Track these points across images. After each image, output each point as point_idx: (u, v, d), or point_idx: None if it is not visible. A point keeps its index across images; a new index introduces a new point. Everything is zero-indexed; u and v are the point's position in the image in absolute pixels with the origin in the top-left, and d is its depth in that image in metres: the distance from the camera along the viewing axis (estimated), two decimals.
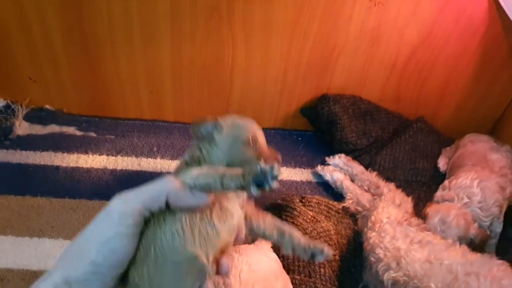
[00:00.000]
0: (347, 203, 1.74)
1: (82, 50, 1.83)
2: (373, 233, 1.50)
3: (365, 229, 1.56)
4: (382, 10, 1.74)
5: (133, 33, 1.75)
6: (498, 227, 1.59)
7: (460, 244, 1.44)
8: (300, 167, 1.93)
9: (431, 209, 1.56)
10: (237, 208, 0.80)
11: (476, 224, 1.54)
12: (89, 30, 1.75)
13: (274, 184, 0.65)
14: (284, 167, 1.92)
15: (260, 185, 0.66)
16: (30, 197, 1.67)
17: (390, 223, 1.50)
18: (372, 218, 1.56)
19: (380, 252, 1.42)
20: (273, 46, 1.82)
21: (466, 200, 1.57)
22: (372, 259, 1.45)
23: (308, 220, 1.57)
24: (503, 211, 1.61)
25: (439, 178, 1.84)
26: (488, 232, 1.57)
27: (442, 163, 1.89)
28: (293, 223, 1.55)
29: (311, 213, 1.61)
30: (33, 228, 1.55)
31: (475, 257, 1.36)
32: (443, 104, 2.05)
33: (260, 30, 1.76)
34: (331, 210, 1.70)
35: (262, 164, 0.66)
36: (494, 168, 1.70)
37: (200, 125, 0.89)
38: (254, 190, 0.67)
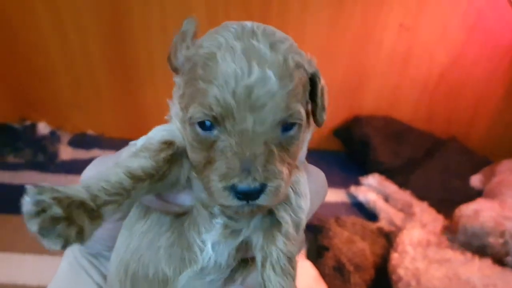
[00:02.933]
0: (381, 223, 1.77)
1: (123, 80, 1.91)
2: (395, 254, 1.57)
3: (390, 250, 1.62)
4: (411, 34, 1.78)
5: None
6: None
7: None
8: (334, 188, 1.96)
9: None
10: (212, 240, 0.48)
11: (498, 238, 1.52)
12: (131, 61, 1.84)
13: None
14: None
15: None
16: None
17: (411, 245, 1.56)
18: (397, 239, 1.62)
19: (401, 271, 1.49)
20: None
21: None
22: (394, 278, 1.52)
23: (343, 241, 1.61)
24: None
25: (472, 197, 1.84)
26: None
27: (475, 180, 1.89)
28: (329, 243, 1.59)
29: (346, 233, 1.65)
30: None
31: (492, 271, 1.42)
32: (475, 123, 2.06)
33: None
34: (366, 230, 1.72)
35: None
36: None
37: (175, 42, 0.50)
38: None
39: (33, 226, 0.36)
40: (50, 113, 2.06)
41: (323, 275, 1.53)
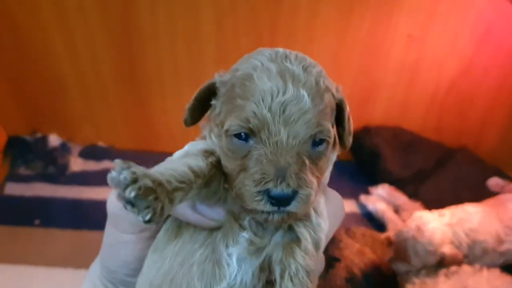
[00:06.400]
0: (389, 233, 1.76)
1: (132, 91, 1.92)
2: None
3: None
4: (420, 44, 1.78)
5: (180, 74, 1.84)
6: None
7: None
8: (344, 198, 1.95)
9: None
10: (237, 254, 0.50)
11: (451, 246, 1.48)
12: (140, 74, 1.85)
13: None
14: None
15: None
16: (86, 231, 1.75)
17: None
18: None
19: (408, 286, 1.47)
20: None
21: (455, 220, 1.53)
22: None
23: (354, 252, 1.60)
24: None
25: None
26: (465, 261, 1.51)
27: (493, 183, 1.88)
28: (340, 255, 1.58)
29: (357, 245, 1.64)
30: (90, 260, 1.63)
31: (502, 281, 1.41)
32: (486, 133, 2.05)
33: None
34: (376, 242, 1.72)
35: None
36: (504, 216, 1.59)
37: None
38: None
39: (130, 193, 0.38)
40: (61, 125, 2.07)
41: (334, 286, 1.53)
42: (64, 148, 2.06)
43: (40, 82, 1.91)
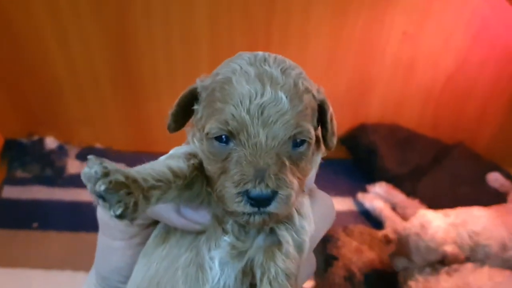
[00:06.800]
0: (387, 231, 1.76)
1: (128, 92, 1.92)
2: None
3: None
4: (415, 41, 1.78)
5: (176, 75, 1.84)
6: None
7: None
8: (341, 196, 1.96)
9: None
10: (219, 257, 0.49)
11: (453, 245, 1.48)
12: (135, 74, 1.85)
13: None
14: None
15: None
16: (84, 233, 1.75)
17: None
18: None
19: (412, 284, 1.47)
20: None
21: (459, 221, 1.53)
22: None
23: (352, 251, 1.60)
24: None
25: (481, 203, 1.83)
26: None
27: (491, 178, 1.89)
28: (338, 253, 1.59)
29: (355, 243, 1.64)
30: (89, 263, 1.62)
31: (503, 276, 1.41)
32: (482, 128, 2.06)
33: None
34: (374, 239, 1.72)
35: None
36: (511, 223, 1.57)
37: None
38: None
39: (100, 186, 0.38)
40: (58, 127, 2.07)
41: (333, 284, 1.53)
42: (61, 151, 2.06)
43: (36, 85, 1.91)
